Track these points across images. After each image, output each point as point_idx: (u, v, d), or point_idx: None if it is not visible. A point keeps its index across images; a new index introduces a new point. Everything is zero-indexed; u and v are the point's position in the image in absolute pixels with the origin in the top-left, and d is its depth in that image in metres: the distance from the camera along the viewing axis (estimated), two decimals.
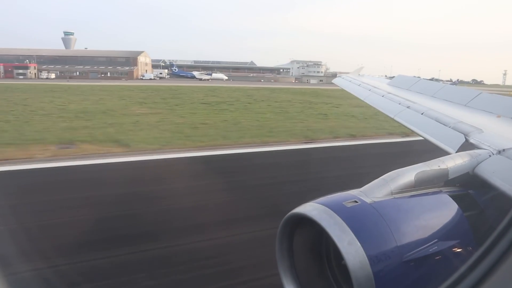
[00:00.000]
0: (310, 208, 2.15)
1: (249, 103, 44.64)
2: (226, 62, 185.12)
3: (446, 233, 2.26)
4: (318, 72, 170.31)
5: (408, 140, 19.64)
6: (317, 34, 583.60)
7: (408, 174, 2.47)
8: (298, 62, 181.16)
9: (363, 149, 19.50)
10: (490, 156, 2.92)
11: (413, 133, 4.71)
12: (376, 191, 2.31)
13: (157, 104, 40.43)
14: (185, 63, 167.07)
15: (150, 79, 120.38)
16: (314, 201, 2.22)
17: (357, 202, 2.18)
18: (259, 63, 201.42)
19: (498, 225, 1.72)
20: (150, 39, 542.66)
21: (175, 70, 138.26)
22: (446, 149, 3.54)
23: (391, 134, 22.82)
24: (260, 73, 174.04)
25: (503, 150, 2.97)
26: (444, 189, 2.62)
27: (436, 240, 2.16)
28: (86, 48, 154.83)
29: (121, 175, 13.98)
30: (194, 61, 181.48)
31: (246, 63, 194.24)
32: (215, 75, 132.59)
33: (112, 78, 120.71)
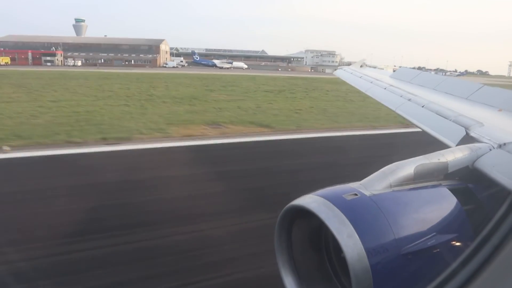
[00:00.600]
0: (309, 200, 2.11)
1: (305, 91, 45.37)
2: (238, 51, 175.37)
3: (445, 226, 2.22)
4: (333, 61, 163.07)
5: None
6: (329, 22, 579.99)
7: (407, 167, 2.41)
8: (312, 51, 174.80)
9: None
10: (490, 150, 2.83)
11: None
12: (376, 184, 2.27)
13: (229, 91, 41.25)
14: (198, 52, 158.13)
15: (173, 67, 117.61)
16: (314, 193, 2.18)
17: (356, 195, 2.15)
18: (269, 52, 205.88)
19: (496, 218, 1.72)
20: (159, 26, 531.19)
21: (197, 58, 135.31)
22: (446, 142, 3.44)
23: None
24: (271, 61, 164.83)
25: (504, 144, 2.87)
26: (443, 182, 2.56)
27: (434, 233, 2.13)
28: (105, 36, 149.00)
29: (307, 148, 16.22)
30: (206, 49, 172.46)
31: (257, 51, 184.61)
32: (236, 63, 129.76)
33: (136, 65, 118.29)
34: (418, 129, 4.37)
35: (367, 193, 2.18)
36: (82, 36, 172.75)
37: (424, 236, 2.07)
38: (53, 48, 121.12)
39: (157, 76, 66.88)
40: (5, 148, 13.99)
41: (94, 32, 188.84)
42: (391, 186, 2.28)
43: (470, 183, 2.66)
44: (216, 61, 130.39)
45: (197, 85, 48.83)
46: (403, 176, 2.35)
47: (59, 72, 68.77)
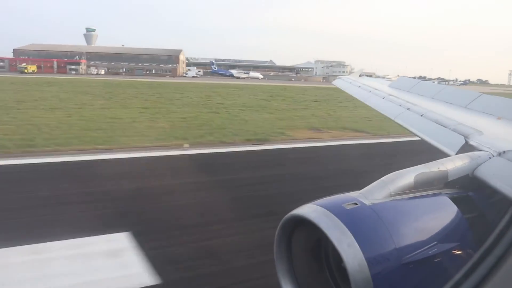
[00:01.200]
0: (309, 210, 2.04)
1: (348, 101, 43.75)
2: (246, 61, 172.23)
3: (446, 235, 2.16)
4: (343, 72, 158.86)
5: None
6: (332, 35, 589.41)
7: (407, 176, 2.35)
8: (322, 62, 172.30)
9: None
10: (490, 158, 2.76)
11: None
12: (376, 193, 2.21)
13: (280, 101, 42.15)
14: (206, 61, 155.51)
15: (193, 76, 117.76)
16: (313, 202, 2.11)
17: (356, 204, 2.09)
18: (276, 62, 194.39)
19: (498, 226, 1.65)
20: (164, 36, 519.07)
21: (215, 68, 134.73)
22: (446, 151, 3.38)
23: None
24: (279, 71, 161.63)
25: (504, 152, 2.80)
26: (443, 191, 2.49)
27: (435, 242, 2.07)
28: (123, 46, 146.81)
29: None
30: (215, 59, 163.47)
31: (265, 61, 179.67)
32: (252, 74, 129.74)
33: (156, 75, 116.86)
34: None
35: (367, 202, 2.12)
36: (93, 45, 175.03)
37: (425, 245, 2.02)
38: (77, 57, 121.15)
39: (193, 85, 67.09)
40: (185, 146, 16.46)
41: (103, 41, 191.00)
42: (391, 195, 2.23)
43: (470, 192, 2.60)
44: (233, 71, 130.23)
45: (244, 95, 49.88)
46: (403, 185, 2.30)
47: (101, 81, 69.79)
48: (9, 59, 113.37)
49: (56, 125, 20.23)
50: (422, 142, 4.18)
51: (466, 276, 1.59)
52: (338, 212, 2.00)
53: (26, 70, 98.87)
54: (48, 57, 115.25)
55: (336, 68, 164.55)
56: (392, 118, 5.10)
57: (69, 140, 16.42)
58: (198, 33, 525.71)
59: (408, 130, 4.60)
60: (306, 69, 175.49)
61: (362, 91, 7.50)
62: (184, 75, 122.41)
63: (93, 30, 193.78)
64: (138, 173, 12.17)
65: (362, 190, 2.25)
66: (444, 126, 3.90)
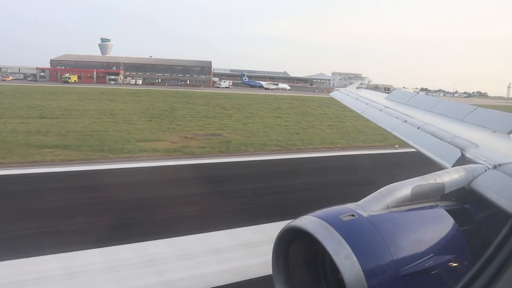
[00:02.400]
0: (307, 221, 2.03)
1: None
2: (261, 72, 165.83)
3: (442, 247, 2.15)
4: (361, 84, 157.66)
5: None
6: (341, 48, 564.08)
7: (404, 188, 2.34)
8: (340, 74, 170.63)
9: None
10: (486, 170, 2.76)
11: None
12: (373, 204, 2.20)
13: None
14: (223, 72, 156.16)
15: (226, 87, 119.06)
16: (311, 214, 2.09)
17: (353, 215, 2.07)
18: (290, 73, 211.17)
19: (494, 239, 1.65)
20: (181, 47, 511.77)
21: (246, 79, 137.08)
22: (443, 163, 3.39)
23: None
24: (294, 83, 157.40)
25: (499, 165, 2.79)
26: (440, 203, 2.48)
27: (432, 254, 2.05)
28: (151, 56, 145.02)
29: None
30: (231, 69, 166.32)
31: (279, 72, 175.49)
32: (280, 85, 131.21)
33: (191, 85, 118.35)
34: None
35: (364, 214, 2.11)
36: (108, 55, 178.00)
37: (422, 257, 2.01)
38: (114, 67, 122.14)
39: (253, 97, 70.13)
40: (396, 146, 19.08)
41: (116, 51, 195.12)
42: (388, 207, 2.21)
43: (466, 204, 2.60)
44: (263, 83, 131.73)
45: (301, 106, 53.75)
46: (400, 197, 2.29)
47: (166, 91, 73.72)
48: (50, 69, 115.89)
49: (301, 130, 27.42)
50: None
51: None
52: (336, 223, 1.98)
53: (69, 80, 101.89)
54: (83, 68, 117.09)
55: (353, 80, 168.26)
56: (389, 131, 5.10)
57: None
58: (209, 44, 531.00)
59: (405, 142, 4.62)
60: (320, 81, 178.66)
61: (359, 103, 7.50)
62: (218, 85, 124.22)
63: (108, 40, 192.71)
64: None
65: (359, 202, 2.23)
66: (441, 139, 3.90)
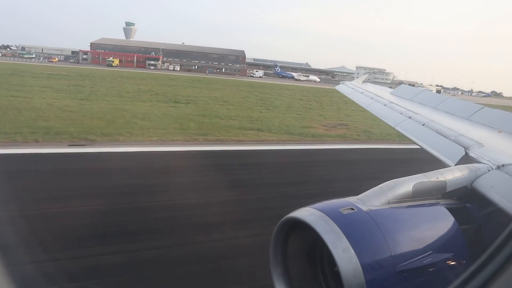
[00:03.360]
0: (306, 213, 2.02)
1: None
2: (283, 62, 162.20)
3: (441, 245, 2.14)
4: (386, 79, 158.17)
5: None
6: (373, 42, 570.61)
7: (406, 184, 2.33)
8: (364, 68, 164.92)
9: None
10: (489, 170, 2.72)
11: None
12: (373, 199, 2.19)
13: None
14: (246, 61, 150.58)
15: (260, 77, 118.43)
16: (311, 206, 2.08)
17: (353, 209, 2.06)
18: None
19: (494, 240, 1.64)
20: (200, 34, 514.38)
21: (278, 70, 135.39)
22: (446, 161, 3.36)
23: None
24: (316, 74, 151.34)
25: (503, 165, 2.76)
26: (441, 201, 2.47)
27: (430, 252, 2.05)
28: (183, 43, 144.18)
29: None
30: (254, 59, 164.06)
31: (301, 64, 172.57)
32: (311, 77, 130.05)
33: (227, 73, 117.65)
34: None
35: (364, 208, 2.10)
36: (131, 39, 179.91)
37: (420, 254, 2.01)
38: (153, 53, 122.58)
39: (296, 88, 70.10)
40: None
41: (140, 36, 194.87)
42: (389, 203, 2.21)
43: (468, 203, 2.58)
44: (294, 74, 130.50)
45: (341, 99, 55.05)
46: (401, 193, 2.29)
47: (214, 79, 73.56)
48: (92, 52, 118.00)
49: None
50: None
51: (461, 287, 1.58)
52: (335, 216, 1.97)
53: (113, 64, 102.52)
54: (121, 52, 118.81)
55: (378, 75, 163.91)
56: (393, 126, 5.03)
57: None
58: (227, 32, 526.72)
59: (408, 138, 4.53)
60: (342, 74, 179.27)
61: (364, 97, 7.42)
62: (252, 75, 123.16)
63: (132, 24, 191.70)
64: None
65: (359, 196, 2.22)
66: (445, 137, 3.85)
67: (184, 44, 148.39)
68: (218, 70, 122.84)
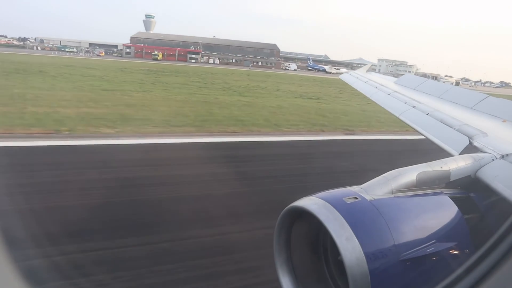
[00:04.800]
0: (310, 202, 2.01)
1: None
2: (302, 54, 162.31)
3: (445, 234, 2.13)
4: (409, 71, 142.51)
5: None
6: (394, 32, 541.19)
7: (409, 174, 2.32)
8: (387, 61, 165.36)
9: None
10: (493, 160, 2.69)
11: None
12: (377, 188, 2.17)
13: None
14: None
15: (294, 70, 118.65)
16: (314, 195, 2.07)
17: (357, 198, 2.05)
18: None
19: (498, 229, 1.65)
20: (214, 25, 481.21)
21: (311, 63, 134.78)
22: (450, 150, 3.31)
23: None
24: (342, 67, 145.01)
25: (507, 155, 2.72)
26: (445, 190, 2.44)
27: (434, 241, 2.04)
28: (214, 37, 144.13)
29: None
30: (283, 52, 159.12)
31: (320, 55, 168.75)
32: (342, 69, 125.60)
33: (263, 66, 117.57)
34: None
35: (368, 197, 2.08)
36: (151, 31, 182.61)
37: (423, 243, 2.00)
38: (192, 47, 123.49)
39: (338, 82, 74.39)
40: None
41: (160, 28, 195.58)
42: (392, 192, 2.19)
43: (471, 193, 2.55)
44: (326, 67, 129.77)
45: None
46: (405, 182, 2.27)
47: (285, 75, 73.90)
48: (135, 46, 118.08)
49: None
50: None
51: (464, 275, 1.59)
52: (339, 205, 1.97)
53: (158, 58, 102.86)
54: (160, 45, 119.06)
55: (400, 67, 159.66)
56: (397, 115, 4.96)
57: None
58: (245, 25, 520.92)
59: (412, 128, 4.47)
60: (360, 65, 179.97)
61: (368, 86, 7.32)
62: (287, 68, 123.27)
63: (152, 17, 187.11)
64: None
65: (363, 185, 2.20)
66: (449, 126, 3.80)
67: (215, 37, 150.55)
68: (254, 64, 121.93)
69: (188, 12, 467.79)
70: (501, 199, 2.32)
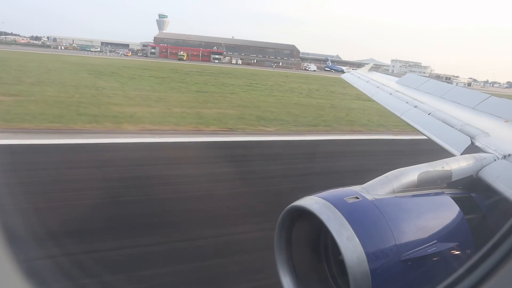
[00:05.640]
0: (311, 202, 2.00)
1: None
2: (314, 54, 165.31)
3: (446, 234, 2.12)
4: (423, 72, 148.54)
5: None
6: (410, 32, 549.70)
7: (411, 174, 2.29)
8: (400, 62, 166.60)
9: None
10: (495, 160, 2.66)
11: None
12: (378, 188, 2.15)
13: None
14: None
15: (314, 70, 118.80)
16: (315, 194, 2.05)
17: (358, 198, 2.03)
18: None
19: (499, 229, 1.64)
20: (224, 27, 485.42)
21: (329, 64, 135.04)
22: (451, 150, 3.27)
23: None
24: (352, 67, 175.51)
25: (509, 155, 2.70)
26: (446, 190, 2.42)
27: (435, 241, 2.02)
28: (233, 37, 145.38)
29: None
30: (302, 53, 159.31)
31: (332, 56, 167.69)
32: (359, 70, 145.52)
33: (283, 67, 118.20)
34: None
35: (369, 197, 2.06)
36: (164, 31, 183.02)
37: (425, 243, 1.98)
38: (215, 47, 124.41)
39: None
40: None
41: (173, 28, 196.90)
42: (394, 192, 2.17)
43: (473, 193, 2.52)
44: (344, 68, 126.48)
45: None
46: (407, 182, 2.24)
47: (320, 76, 74.64)
48: (159, 46, 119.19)
49: None
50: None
51: (464, 276, 1.58)
52: (340, 205, 1.95)
53: (184, 58, 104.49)
54: (182, 46, 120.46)
55: (414, 68, 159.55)
56: (399, 115, 4.91)
57: None
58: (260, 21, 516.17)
59: (414, 127, 4.42)
60: (374, 66, 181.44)
61: (370, 86, 7.29)
62: (306, 68, 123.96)
63: (165, 17, 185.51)
64: None
65: (364, 185, 2.18)
66: (451, 126, 3.76)
67: (234, 38, 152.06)
68: (275, 64, 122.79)
69: (187, 11, 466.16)
70: (503, 199, 2.30)
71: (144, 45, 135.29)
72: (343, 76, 10.03)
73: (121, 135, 13.83)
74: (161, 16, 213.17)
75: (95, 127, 14.62)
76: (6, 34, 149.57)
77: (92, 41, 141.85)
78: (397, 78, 7.62)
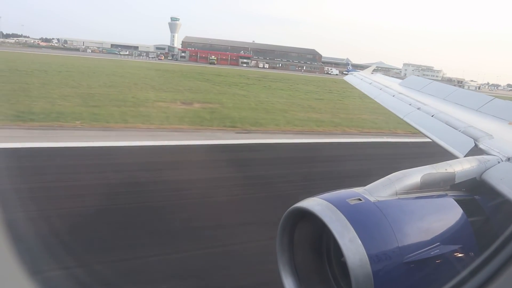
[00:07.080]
0: (313, 203, 1.97)
1: None
2: (326, 58, 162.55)
3: (449, 237, 2.08)
4: (436, 76, 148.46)
5: None
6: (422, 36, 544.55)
7: (414, 176, 2.25)
8: (413, 65, 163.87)
9: None
10: (499, 162, 2.62)
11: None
12: (381, 190, 2.12)
13: None
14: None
15: (336, 74, 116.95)
16: (318, 196, 2.03)
17: (361, 200, 2.00)
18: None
19: (503, 232, 1.61)
20: (236, 30, 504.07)
21: (350, 68, 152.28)
22: (455, 153, 3.22)
23: None
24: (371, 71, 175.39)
25: None
26: (449, 193, 2.38)
27: (438, 243, 1.99)
28: (253, 41, 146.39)
29: None
30: (323, 57, 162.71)
31: (342, 59, 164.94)
32: (378, 74, 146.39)
33: (307, 71, 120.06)
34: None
35: (371, 198, 2.03)
36: (176, 34, 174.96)
37: (427, 246, 1.95)
38: (242, 51, 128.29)
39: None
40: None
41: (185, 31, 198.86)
42: (396, 194, 2.14)
43: (477, 195, 2.48)
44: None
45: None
46: (409, 184, 2.21)
47: (335, 80, 72.46)
48: (189, 50, 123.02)
49: None
50: None
51: (467, 279, 1.55)
52: (342, 206, 1.93)
53: (215, 62, 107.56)
54: (210, 50, 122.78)
55: (427, 72, 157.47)
56: (401, 117, 4.88)
57: None
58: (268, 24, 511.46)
59: (417, 129, 4.40)
60: (383, 69, 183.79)
61: (372, 88, 7.26)
62: (329, 72, 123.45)
63: (177, 20, 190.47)
64: None
65: (367, 187, 2.15)
66: (455, 128, 3.72)
67: (254, 42, 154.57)
68: (299, 68, 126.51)
69: (188, 14, 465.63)
70: (507, 201, 2.25)
71: (157, 48, 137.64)
72: (345, 78, 10.04)
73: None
74: (173, 19, 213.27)
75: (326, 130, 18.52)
76: (17, 36, 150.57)
77: (102, 43, 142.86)
78: (400, 80, 7.57)
